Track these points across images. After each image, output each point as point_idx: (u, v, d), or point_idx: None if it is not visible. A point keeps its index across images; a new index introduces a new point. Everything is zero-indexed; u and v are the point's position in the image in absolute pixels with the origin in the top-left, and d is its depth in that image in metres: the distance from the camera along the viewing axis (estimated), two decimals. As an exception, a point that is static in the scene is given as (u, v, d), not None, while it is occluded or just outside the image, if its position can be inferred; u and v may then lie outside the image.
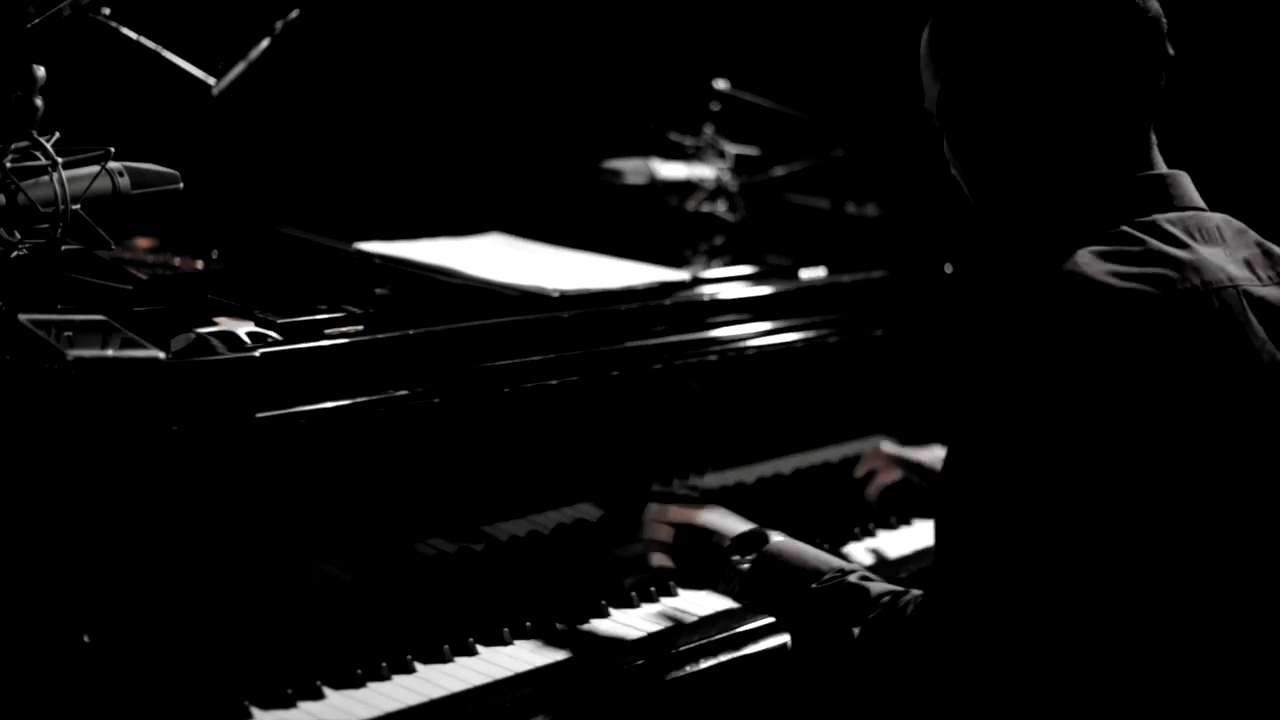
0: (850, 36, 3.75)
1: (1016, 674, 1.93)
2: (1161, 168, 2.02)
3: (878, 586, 2.06)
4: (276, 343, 2.14)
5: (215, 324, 2.18)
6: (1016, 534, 1.87)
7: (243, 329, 2.16)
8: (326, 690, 2.02)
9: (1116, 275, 1.87)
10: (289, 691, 1.99)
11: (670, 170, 3.22)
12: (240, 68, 2.76)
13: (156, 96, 2.72)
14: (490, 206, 3.04)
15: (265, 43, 2.79)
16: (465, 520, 2.33)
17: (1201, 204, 2.03)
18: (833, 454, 2.93)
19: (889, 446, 2.81)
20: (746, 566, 2.22)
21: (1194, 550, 1.88)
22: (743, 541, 2.26)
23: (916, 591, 2.02)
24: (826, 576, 2.11)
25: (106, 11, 2.56)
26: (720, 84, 3.32)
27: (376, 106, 3.12)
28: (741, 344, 2.71)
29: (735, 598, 2.27)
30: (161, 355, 1.97)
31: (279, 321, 2.19)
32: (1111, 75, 1.98)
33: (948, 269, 3.11)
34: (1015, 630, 1.91)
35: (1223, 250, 1.97)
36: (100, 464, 1.93)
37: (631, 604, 2.37)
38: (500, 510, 2.37)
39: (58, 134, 2.22)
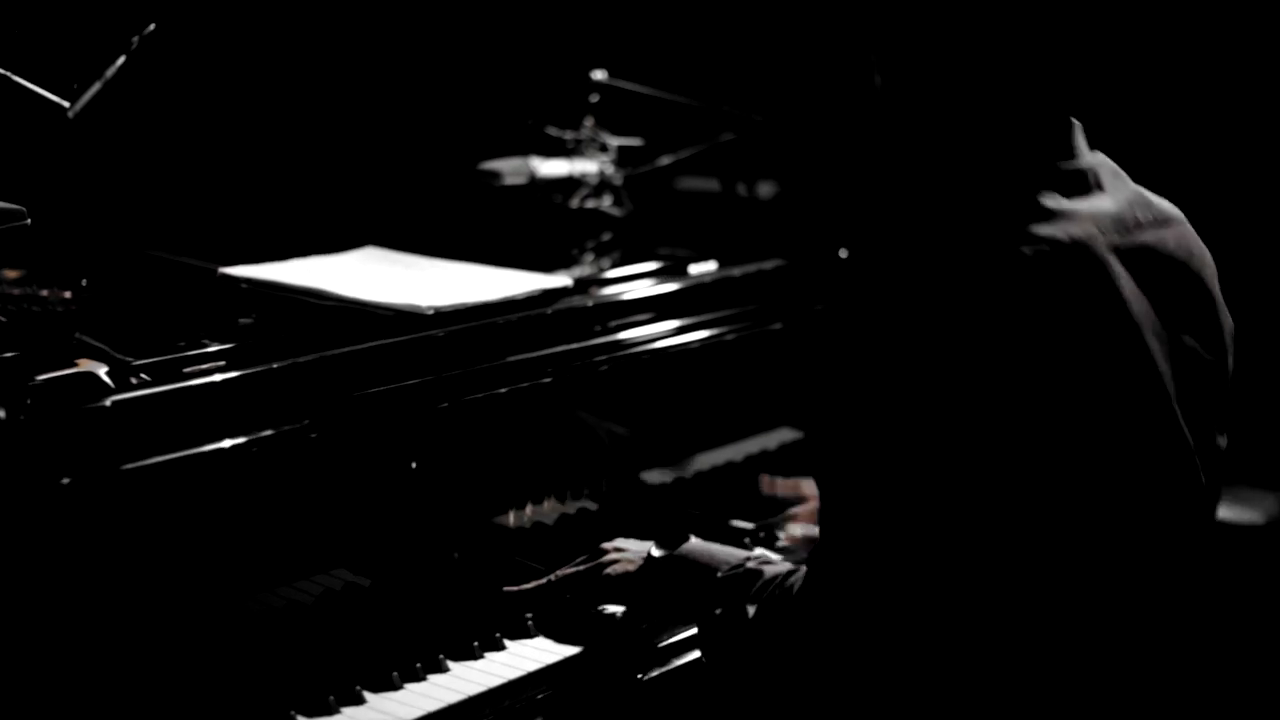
0: (732, 19, 3.67)
1: (892, 647, 1.91)
2: (1084, 157, 1.94)
3: (774, 568, 2.08)
4: (131, 388, 2.03)
5: (76, 365, 2.08)
6: (896, 505, 1.83)
7: (102, 372, 2.05)
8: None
9: (997, 243, 1.82)
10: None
11: (551, 168, 3.12)
12: (96, 87, 2.65)
13: (8, 123, 2.61)
14: (364, 219, 2.92)
15: (121, 60, 2.68)
16: (362, 556, 2.23)
17: (1086, 150, 1.95)
18: (735, 453, 2.85)
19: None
20: (660, 562, 2.20)
21: (1081, 525, 1.84)
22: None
23: (804, 569, 2.02)
24: (731, 565, 2.12)
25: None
26: (598, 74, 3.21)
27: (241, 119, 3.00)
28: (634, 349, 2.61)
29: (652, 604, 2.23)
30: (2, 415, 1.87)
31: (137, 364, 2.08)
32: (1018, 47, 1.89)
33: (842, 254, 3.04)
34: (891, 601, 1.88)
35: (1103, 199, 1.91)
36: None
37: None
38: (396, 544, 2.28)
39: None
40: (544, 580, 2.30)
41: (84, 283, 2.52)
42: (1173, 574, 1.94)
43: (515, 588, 2.30)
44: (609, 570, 2.25)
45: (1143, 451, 1.87)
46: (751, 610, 2.04)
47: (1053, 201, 1.85)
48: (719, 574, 2.12)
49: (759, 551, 2.17)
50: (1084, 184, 1.90)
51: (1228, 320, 2.00)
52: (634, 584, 2.23)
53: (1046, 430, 1.79)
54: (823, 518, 1.94)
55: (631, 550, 2.28)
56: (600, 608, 2.29)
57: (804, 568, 2.02)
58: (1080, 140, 1.95)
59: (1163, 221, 1.97)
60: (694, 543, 2.21)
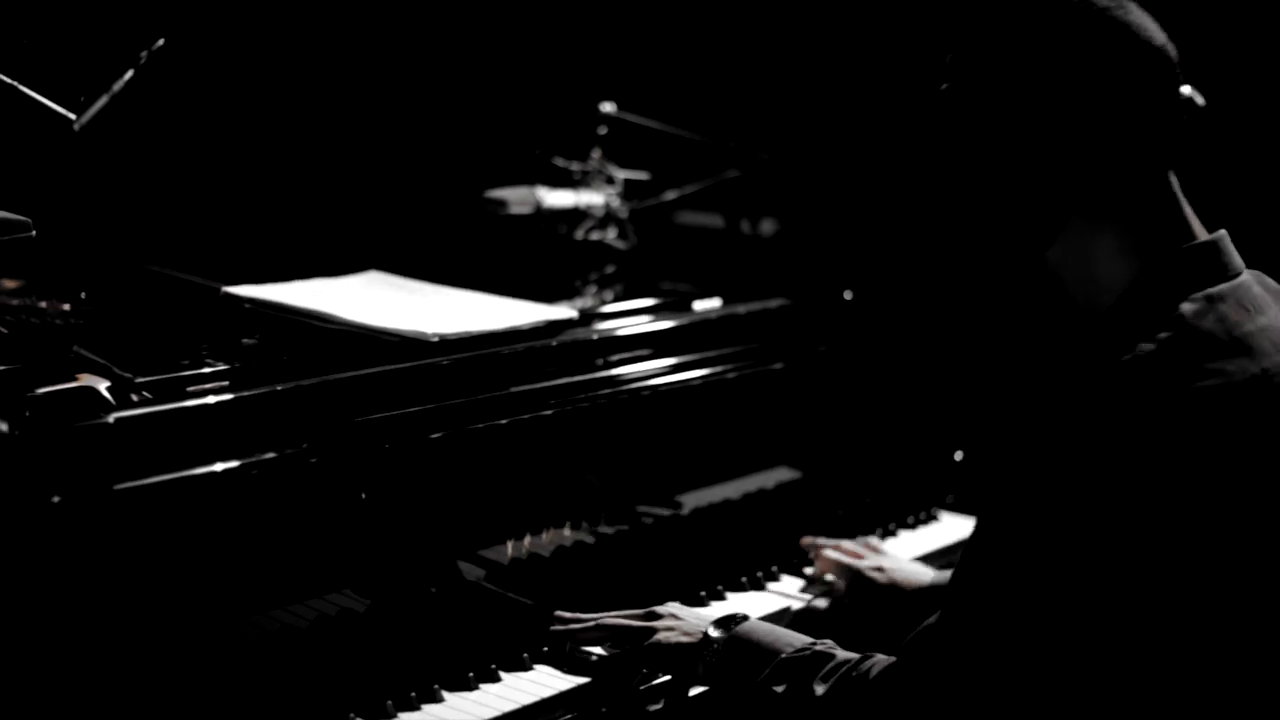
0: (740, 56, 3.67)
1: None
2: (1200, 229, 1.94)
3: (844, 653, 2.06)
4: (132, 405, 2.00)
5: (76, 380, 2.05)
6: (1040, 623, 1.85)
7: (102, 387, 2.02)
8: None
9: (1183, 376, 1.81)
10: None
11: (557, 198, 3.10)
12: (103, 100, 2.63)
13: (14, 133, 2.60)
14: (368, 242, 2.90)
15: (130, 74, 2.67)
16: (358, 581, 2.20)
17: (1241, 264, 1.95)
18: (733, 490, 2.84)
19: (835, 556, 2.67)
20: (718, 642, 2.16)
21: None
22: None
23: (881, 656, 2.00)
24: (797, 647, 2.10)
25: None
26: (607, 107, 3.20)
27: (248, 138, 2.98)
28: (636, 384, 2.59)
29: (702, 679, 2.20)
30: (4, 428, 1.85)
31: (139, 381, 2.05)
32: (1126, 122, 1.90)
33: (847, 296, 3.03)
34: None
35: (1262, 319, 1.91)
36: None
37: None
38: (393, 571, 2.24)
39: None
40: (591, 622, 2.27)
41: (83, 295, 2.50)
42: None
43: (563, 626, 2.27)
44: (660, 638, 2.21)
45: None
46: (820, 689, 2.00)
47: (1222, 329, 1.85)
48: (783, 655, 2.08)
49: (821, 640, 2.12)
50: (1252, 304, 1.90)
51: None
52: (686, 657, 2.19)
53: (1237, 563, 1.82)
54: (953, 612, 1.92)
55: (687, 621, 2.24)
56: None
57: (878, 656, 1.99)
58: (1233, 252, 1.94)
59: None
60: (755, 623, 2.18)
